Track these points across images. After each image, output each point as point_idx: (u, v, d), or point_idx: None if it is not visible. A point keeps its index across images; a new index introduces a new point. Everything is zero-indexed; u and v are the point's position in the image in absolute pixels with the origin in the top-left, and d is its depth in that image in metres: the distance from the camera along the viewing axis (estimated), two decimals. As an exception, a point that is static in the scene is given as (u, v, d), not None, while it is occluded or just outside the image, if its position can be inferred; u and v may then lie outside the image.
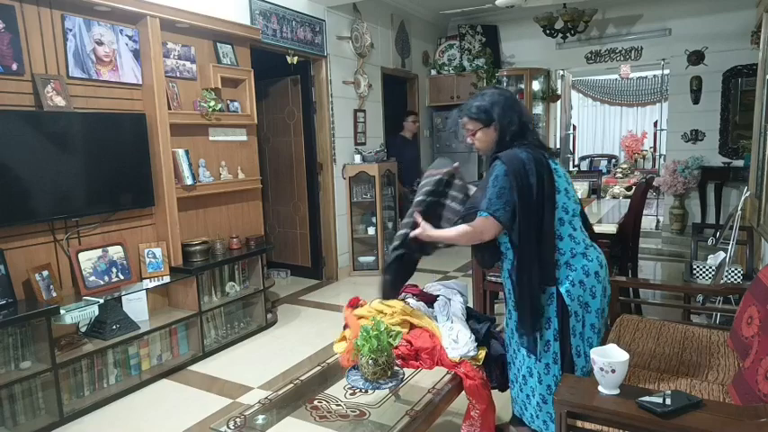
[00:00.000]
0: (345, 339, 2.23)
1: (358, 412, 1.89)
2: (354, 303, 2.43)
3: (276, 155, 5.43)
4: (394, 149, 6.05)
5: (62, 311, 2.69)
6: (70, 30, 2.94)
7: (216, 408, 2.81)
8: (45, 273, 2.75)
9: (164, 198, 3.37)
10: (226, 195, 3.92)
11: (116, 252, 3.15)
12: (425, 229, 2.00)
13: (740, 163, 5.67)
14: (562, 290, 1.85)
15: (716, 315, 3.18)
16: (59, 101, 2.84)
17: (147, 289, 3.23)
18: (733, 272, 3.06)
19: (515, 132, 1.88)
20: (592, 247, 1.93)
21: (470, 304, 2.55)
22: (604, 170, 10.32)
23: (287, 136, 5.32)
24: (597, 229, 2.84)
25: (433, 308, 2.31)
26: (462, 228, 1.91)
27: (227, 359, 3.48)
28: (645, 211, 4.77)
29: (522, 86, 6.49)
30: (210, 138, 3.81)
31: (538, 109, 6.77)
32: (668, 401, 1.40)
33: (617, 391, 1.50)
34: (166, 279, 3.33)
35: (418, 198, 2.09)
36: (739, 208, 3.30)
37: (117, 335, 2.97)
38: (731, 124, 5.89)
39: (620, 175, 9.11)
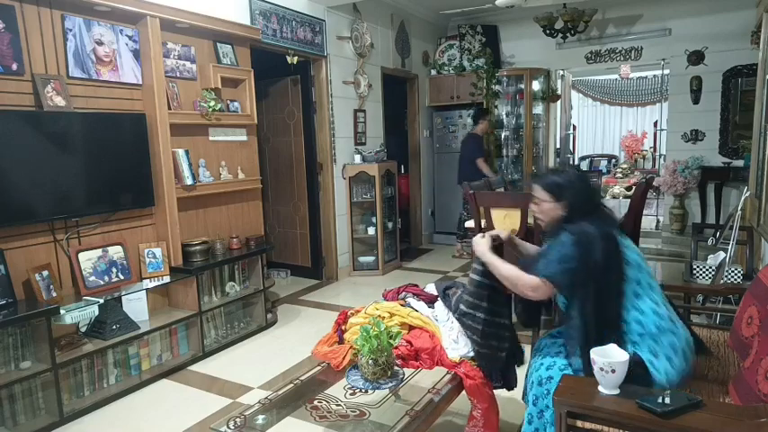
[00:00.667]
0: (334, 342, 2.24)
1: (358, 412, 1.89)
2: (342, 320, 2.34)
3: (276, 155, 5.43)
4: (475, 147, 5.94)
5: (62, 311, 2.69)
6: (70, 30, 2.94)
7: (216, 408, 2.81)
8: (45, 273, 2.75)
9: (164, 198, 3.37)
10: (226, 195, 3.92)
11: (116, 252, 3.15)
12: (479, 243, 2.03)
13: (740, 163, 5.66)
14: (643, 356, 1.72)
15: (716, 315, 3.18)
16: (59, 101, 2.84)
17: (147, 289, 3.23)
18: (733, 272, 3.05)
19: (583, 214, 1.87)
20: (680, 322, 1.83)
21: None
22: (604, 170, 10.33)
23: (287, 136, 5.32)
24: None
25: (433, 308, 2.31)
26: (513, 270, 1.88)
27: (227, 359, 3.48)
28: (645, 211, 4.77)
29: (522, 86, 6.49)
30: (210, 138, 3.81)
31: (538, 109, 6.75)
32: (668, 401, 1.40)
33: (617, 391, 1.50)
34: (166, 279, 3.33)
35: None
36: (739, 208, 3.30)
37: (117, 335, 2.97)
38: (731, 124, 5.88)
39: (620, 175, 9.10)
